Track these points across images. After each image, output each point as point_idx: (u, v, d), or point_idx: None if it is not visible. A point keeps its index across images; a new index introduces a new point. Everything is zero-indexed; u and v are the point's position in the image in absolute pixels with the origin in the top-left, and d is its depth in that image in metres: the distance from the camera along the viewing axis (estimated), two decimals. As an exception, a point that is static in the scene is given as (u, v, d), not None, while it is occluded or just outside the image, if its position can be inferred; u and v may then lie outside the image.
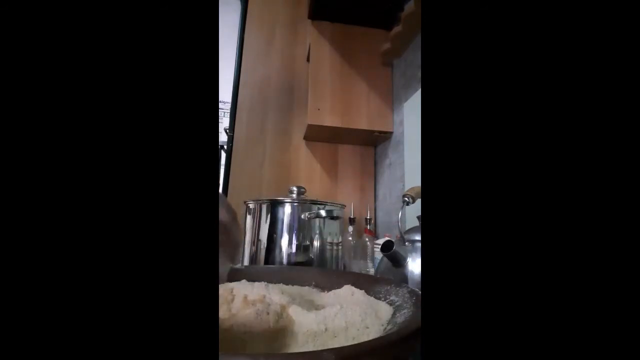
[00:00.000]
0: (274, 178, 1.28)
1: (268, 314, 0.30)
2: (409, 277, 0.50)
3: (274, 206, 0.80)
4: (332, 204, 0.83)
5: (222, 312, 0.33)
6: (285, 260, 0.76)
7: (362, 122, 1.15)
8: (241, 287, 0.38)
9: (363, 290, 0.39)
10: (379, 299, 0.39)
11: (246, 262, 0.81)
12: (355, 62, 1.19)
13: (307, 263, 0.76)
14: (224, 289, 0.38)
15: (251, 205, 0.83)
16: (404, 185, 1.02)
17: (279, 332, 0.29)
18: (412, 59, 1.05)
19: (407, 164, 1.01)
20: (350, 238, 0.99)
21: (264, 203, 0.81)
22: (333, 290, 0.42)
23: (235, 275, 0.44)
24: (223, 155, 1.38)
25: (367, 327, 0.30)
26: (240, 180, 1.26)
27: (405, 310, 0.34)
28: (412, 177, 0.95)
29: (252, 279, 0.42)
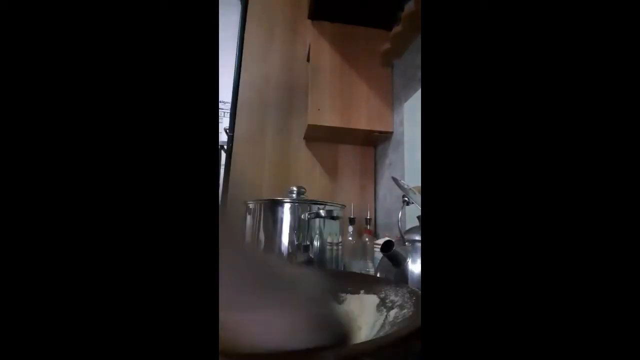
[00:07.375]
0: (274, 178, 1.28)
1: (268, 314, 0.30)
2: (409, 277, 0.50)
3: (274, 206, 0.80)
4: (332, 204, 0.83)
5: (222, 312, 0.33)
6: (285, 260, 0.76)
7: (362, 122, 1.15)
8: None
9: (363, 291, 0.39)
10: (379, 299, 0.39)
11: (246, 262, 0.81)
12: (355, 62, 1.19)
13: (307, 263, 0.76)
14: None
15: (251, 206, 0.83)
16: (404, 185, 1.02)
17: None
18: (412, 59, 1.05)
19: (407, 164, 1.01)
20: (350, 238, 0.99)
21: (264, 203, 0.81)
22: (333, 291, 0.42)
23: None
24: (223, 155, 1.37)
25: (368, 327, 0.30)
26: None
27: (405, 310, 0.34)
28: (412, 177, 0.95)
29: (252, 279, 0.42)
